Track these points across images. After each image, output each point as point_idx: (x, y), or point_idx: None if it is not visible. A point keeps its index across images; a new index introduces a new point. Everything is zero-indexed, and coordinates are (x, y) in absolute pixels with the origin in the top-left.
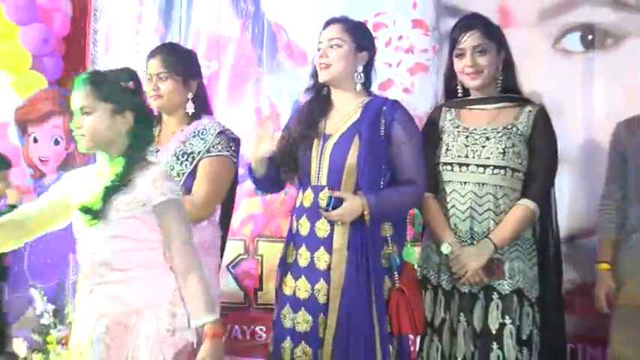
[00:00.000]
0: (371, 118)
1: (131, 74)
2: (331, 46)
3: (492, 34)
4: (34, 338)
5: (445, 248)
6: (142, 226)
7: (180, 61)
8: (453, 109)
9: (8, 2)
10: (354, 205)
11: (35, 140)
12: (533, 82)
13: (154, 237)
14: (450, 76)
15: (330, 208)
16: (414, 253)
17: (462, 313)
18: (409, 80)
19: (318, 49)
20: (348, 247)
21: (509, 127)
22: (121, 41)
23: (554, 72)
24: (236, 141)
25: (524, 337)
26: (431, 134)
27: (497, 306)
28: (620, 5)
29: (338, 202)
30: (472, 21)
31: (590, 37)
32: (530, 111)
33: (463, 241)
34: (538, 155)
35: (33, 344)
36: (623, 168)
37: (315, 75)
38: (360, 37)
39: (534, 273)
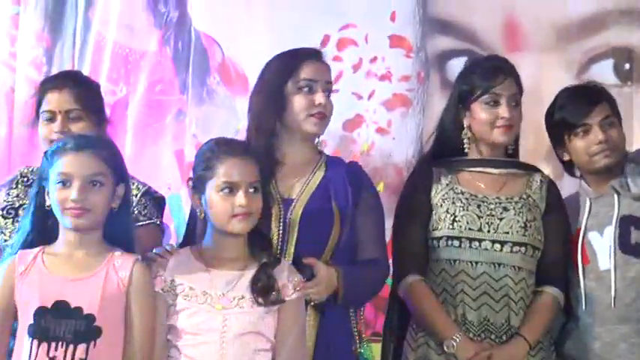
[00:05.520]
0: (341, 180)
1: None
2: (327, 92)
3: (520, 84)
4: None
5: (450, 347)
6: None
7: (95, 97)
8: (443, 170)
9: None
10: (330, 274)
11: None
12: None
13: None
14: (456, 128)
15: (308, 279)
16: (372, 353)
17: None
18: (385, 117)
19: (308, 89)
20: (316, 338)
21: (525, 197)
22: None
23: None
24: (162, 202)
25: None
26: (419, 200)
27: None
28: None
29: (310, 272)
30: (507, 65)
31: (627, 65)
32: (541, 181)
33: (475, 335)
34: (556, 235)
35: None
36: None
37: (267, 115)
38: None
39: None
